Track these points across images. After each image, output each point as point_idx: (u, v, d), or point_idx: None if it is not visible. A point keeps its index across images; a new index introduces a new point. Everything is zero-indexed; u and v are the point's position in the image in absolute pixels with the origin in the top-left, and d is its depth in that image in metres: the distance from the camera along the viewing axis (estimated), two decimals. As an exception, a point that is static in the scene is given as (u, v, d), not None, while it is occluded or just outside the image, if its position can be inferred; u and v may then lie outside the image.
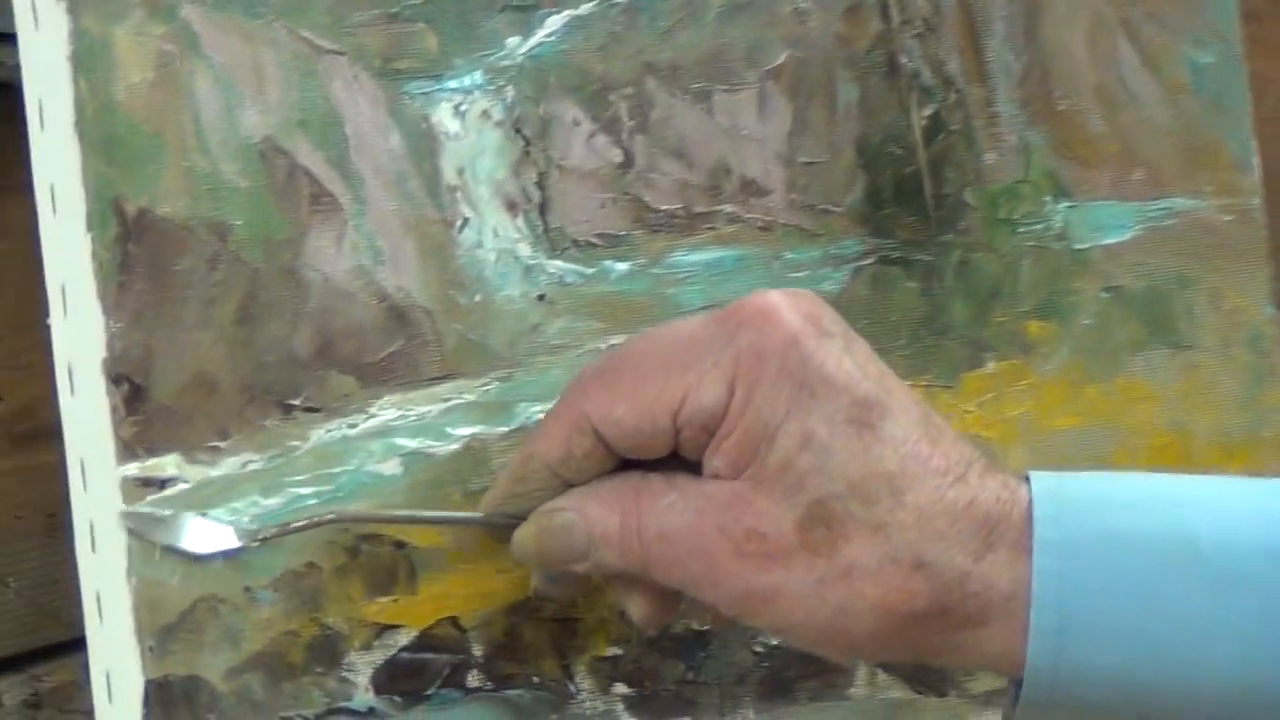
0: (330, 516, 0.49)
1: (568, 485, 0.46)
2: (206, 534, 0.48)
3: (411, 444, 0.52)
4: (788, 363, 0.42)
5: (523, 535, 0.47)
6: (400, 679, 0.51)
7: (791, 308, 0.43)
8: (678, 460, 0.44)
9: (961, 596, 0.41)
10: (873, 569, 0.41)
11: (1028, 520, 0.42)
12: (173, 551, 0.47)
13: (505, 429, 0.53)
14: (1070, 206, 0.62)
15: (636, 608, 0.47)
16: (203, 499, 0.48)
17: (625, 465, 0.45)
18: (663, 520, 0.43)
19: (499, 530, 0.48)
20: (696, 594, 0.44)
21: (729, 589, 0.43)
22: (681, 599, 0.47)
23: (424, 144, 0.53)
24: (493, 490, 0.48)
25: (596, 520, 0.44)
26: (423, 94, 0.53)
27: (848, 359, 0.43)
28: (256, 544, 0.48)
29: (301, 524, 0.49)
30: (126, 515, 0.47)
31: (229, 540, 0.48)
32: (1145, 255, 0.62)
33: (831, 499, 0.41)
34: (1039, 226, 0.61)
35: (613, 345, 0.53)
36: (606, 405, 0.44)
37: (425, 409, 0.52)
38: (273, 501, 0.49)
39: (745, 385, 0.42)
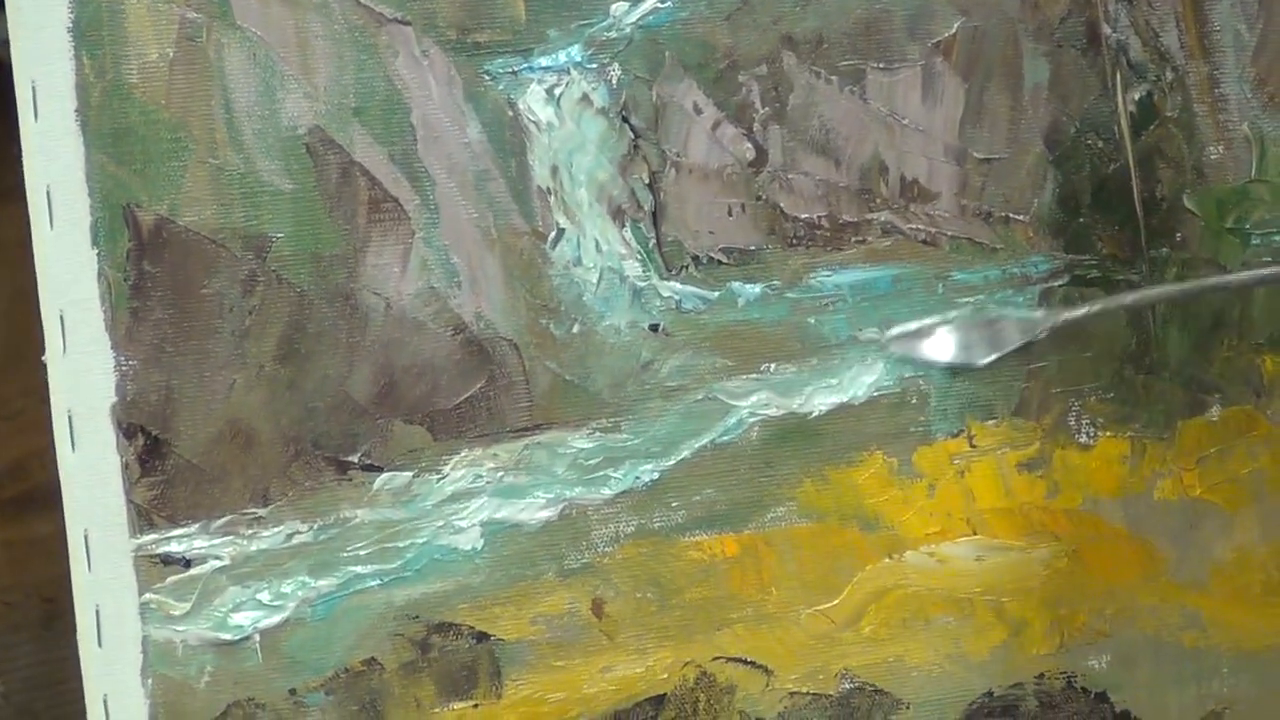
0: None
1: None
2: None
3: (495, 511, 0.50)
4: None
5: None
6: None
7: None
8: None
9: None
10: None
11: None
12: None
13: (610, 493, 0.51)
14: (1316, 212, 0.59)
15: None
16: (237, 580, 0.47)
17: None
18: None
19: None
20: None
21: None
22: None
23: (509, 136, 0.51)
24: None
25: None
26: (507, 74, 0.51)
27: None
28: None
29: None
30: (891, 338, 0.51)
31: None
32: None
33: None
34: (1277, 238, 0.57)
35: (740, 385, 0.52)
36: None
37: (512, 467, 0.50)
38: (325, 583, 0.48)
39: None
